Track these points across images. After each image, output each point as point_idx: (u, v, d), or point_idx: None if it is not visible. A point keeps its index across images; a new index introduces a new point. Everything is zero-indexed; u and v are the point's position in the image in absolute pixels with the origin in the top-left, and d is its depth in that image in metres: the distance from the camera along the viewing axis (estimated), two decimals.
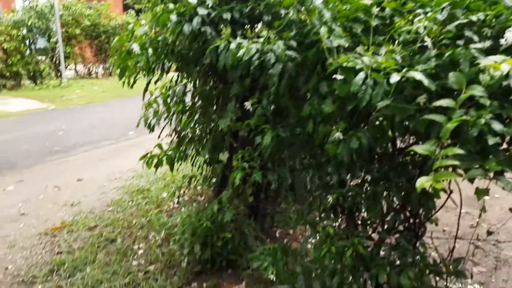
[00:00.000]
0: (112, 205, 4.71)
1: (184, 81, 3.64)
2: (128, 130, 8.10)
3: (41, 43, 14.97)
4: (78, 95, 12.70)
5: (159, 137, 3.78)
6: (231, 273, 3.41)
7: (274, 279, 2.61)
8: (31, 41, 14.58)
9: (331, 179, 2.54)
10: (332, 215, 2.63)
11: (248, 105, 2.61)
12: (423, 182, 1.46)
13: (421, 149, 1.56)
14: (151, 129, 3.77)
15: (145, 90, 3.56)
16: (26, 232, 4.17)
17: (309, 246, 3.03)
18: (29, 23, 14.05)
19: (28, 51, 14.25)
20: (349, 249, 2.35)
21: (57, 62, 14.97)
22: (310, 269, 2.59)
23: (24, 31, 14.08)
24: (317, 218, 2.71)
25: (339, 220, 2.71)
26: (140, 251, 3.75)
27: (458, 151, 1.45)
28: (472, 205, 4.05)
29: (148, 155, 3.59)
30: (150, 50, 3.13)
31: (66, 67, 15.26)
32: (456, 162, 1.46)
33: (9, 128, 8.60)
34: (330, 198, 2.53)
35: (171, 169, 3.65)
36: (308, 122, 2.33)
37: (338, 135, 2.13)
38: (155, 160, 3.62)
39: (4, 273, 3.49)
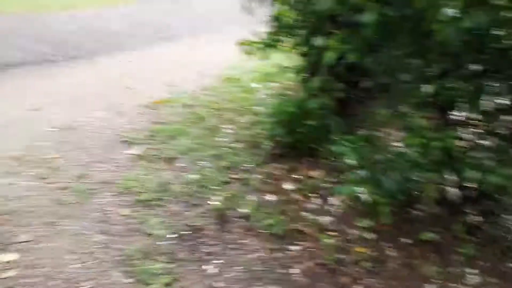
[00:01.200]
0: (207, 89, 4.93)
1: None
2: (227, 23, 8.11)
3: None
4: None
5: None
6: (311, 160, 3.47)
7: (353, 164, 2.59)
8: None
9: (432, 68, 2.34)
10: (424, 109, 2.46)
11: None
12: None
13: None
14: (250, 12, 3.72)
15: None
16: (131, 103, 4.60)
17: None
18: None
19: None
20: (438, 142, 2.21)
21: None
22: (391, 159, 2.51)
23: None
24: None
25: (431, 115, 2.53)
26: (228, 131, 3.96)
27: None
28: None
29: (246, 42, 3.60)
30: None
31: None
32: None
33: (119, 14, 9.15)
34: (426, 89, 2.35)
35: (265, 55, 3.64)
36: None
37: (450, 11, 1.89)
38: (250, 47, 3.64)
39: (110, 134, 3.94)
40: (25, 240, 2.61)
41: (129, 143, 3.76)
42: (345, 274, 2.41)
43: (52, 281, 2.28)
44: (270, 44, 3.64)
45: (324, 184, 3.22)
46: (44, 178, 3.22)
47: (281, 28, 3.73)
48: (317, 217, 2.87)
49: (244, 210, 2.89)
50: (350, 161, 2.59)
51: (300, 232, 2.76)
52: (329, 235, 2.72)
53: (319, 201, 3.05)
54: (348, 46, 2.52)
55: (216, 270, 2.46)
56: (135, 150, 3.63)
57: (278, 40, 3.67)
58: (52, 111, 4.31)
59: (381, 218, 2.46)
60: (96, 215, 2.87)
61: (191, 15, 9.18)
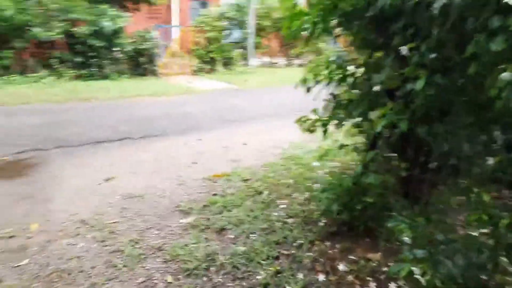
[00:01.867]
0: (267, 166, 4.99)
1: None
2: (295, 110, 8.38)
3: (236, 33, 16.76)
4: (258, 80, 13.80)
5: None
6: (368, 241, 3.23)
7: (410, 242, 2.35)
8: (228, 32, 16.46)
9: (494, 140, 2.17)
10: (489, 183, 2.23)
11: (404, 50, 2.41)
12: None
13: None
14: (308, 90, 3.82)
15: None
16: (194, 176, 4.77)
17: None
18: (228, 16, 15.89)
19: (224, 41, 16.14)
20: (506, 220, 1.96)
21: (247, 51, 16.54)
22: (453, 240, 2.25)
23: (224, 23, 15.98)
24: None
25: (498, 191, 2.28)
26: (282, 206, 3.88)
27: None
28: None
29: (303, 119, 3.66)
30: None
31: (253, 56, 16.75)
32: None
33: (199, 100, 9.95)
34: (490, 162, 2.15)
35: (324, 133, 3.64)
36: (471, 64, 2.02)
37: (506, 75, 1.80)
38: (309, 123, 3.69)
39: (170, 203, 4.07)
40: None
41: (185, 212, 3.82)
42: None
43: None
44: (327, 121, 3.65)
45: (382, 268, 2.93)
46: (102, 241, 3.34)
47: (339, 106, 3.77)
48: None
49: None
50: (407, 238, 2.37)
51: None
52: None
53: (375, 285, 2.77)
54: (401, 116, 2.44)
55: None
56: (188, 220, 3.67)
57: (336, 118, 3.68)
58: (122, 181, 4.60)
59: None
60: (142, 280, 2.87)
61: (262, 103, 9.71)
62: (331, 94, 3.90)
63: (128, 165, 5.16)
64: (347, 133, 3.75)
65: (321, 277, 2.85)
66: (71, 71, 11.65)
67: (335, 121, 3.66)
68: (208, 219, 3.66)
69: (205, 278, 2.85)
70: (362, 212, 3.24)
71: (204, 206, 3.93)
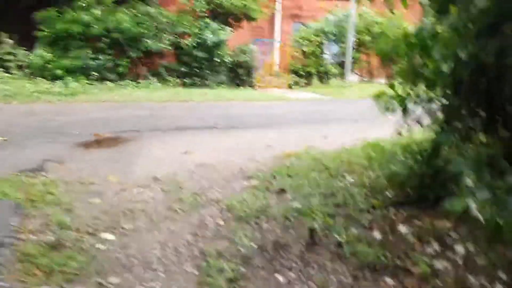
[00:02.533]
0: (342, 151, 4.80)
1: None
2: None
3: (334, 48, 16.72)
4: (354, 92, 13.49)
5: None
6: (437, 212, 2.89)
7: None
8: (326, 46, 16.51)
9: None
10: None
11: None
12: None
13: None
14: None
15: None
16: (266, 155, 4.80)
17: None
18: (326, 30, 15.98)
19: (322, 55, 16.21)
20: None
21: (344, 66, 16.36)
22: None
23: (322, 38, 16.10)
24: None
25: None
26: (349, 179, 3.69)
27: None
28: None
29: (379, 93, 3.49)
30: None
31: (351, 72, 16.49)
32: None
33: (288, 106, 10.11)
34: None
35: (403, 112, 3.41)
36: None
37: None
38: (385, 99, 3.50)
39: (238, 171, 4.14)
40: (127, 228, 2.84)
41: (250, 178, 3.86)
42: None
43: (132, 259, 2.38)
44: (406, 97, 3.41)
45: (449, 233, 2.60)
46: (167, 192, 3.53)
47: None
48: (432, 260, 2.30)
49: (341, 238, 2.53)
50: (469, 181, 2.08)
51: (404, 269, 2.23)
52: (444, 280, 2.12)
53: (439, 246, 2.46)
54: None
55: (286, 280, 2.16)
56: (251, 183, 3.69)
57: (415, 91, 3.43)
58: (199, 155, 4.82)
59: None
60: (195, 220, 2.95)
61: (351, 109, 9.52)
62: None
63: (207, 145, 5.41)
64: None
65: (377, 235, 2.62)
66: (177, 80, 12.70)
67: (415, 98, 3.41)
68: (271, 183, 3.64)
69: (254, 224, 2.83)
70: (433, 179, 2.94)
71: (270, 174, 3.92)
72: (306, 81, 15.81)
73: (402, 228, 2.70)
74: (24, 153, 4.73)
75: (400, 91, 3.33)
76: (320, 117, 8.29)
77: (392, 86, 3.53)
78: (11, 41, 10.73)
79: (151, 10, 12.55)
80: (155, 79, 12.39)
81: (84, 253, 2.45)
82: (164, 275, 2.28)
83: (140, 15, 12.23)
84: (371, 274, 2.20)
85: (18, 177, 3.74)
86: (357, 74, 17.49)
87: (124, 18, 11.75)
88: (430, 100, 3.31)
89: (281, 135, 6.23)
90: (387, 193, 3.23)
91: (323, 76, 16.12)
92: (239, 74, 14.33)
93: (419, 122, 3.42)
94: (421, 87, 3.50)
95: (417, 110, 3.37)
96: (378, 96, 3.54)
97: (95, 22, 11.53)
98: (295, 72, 15.77)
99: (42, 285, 2.11)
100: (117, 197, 3.42)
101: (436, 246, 2.46)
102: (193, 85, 12.83)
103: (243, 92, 12.32)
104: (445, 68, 2.67)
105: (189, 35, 12.79)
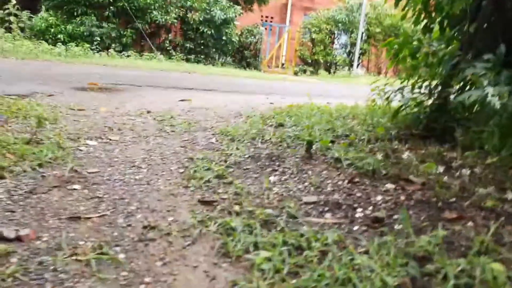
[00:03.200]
0: (347, 106, 4.61)
1: None
2: None
3: (343, 38, 16.53)
4: (360, 81, 13.30)
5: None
6: (446, 146, 2.71)
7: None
8: (335, 36, 16.32)
9: None
10: None
11: None
12: None
13: None
14: None
15: None
16: (266, 106, 4.61)
17: None
18: (337, 19, 15.77)
19: (331, 44, 16.02)
20: None
21: (352, 57, 16.17)
22: None
23: (332, 27, 15.90)
24: None
25: None
26: (353, 121, 3.50)
27: None
28: None
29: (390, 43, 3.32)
30: None
31: (358, 64, 16.29)
32: None
33: (291, 83, 9.89)
34: None
35: (413, 59, 3.22)
36: None
37: None
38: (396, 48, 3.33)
39: (235, 113, 3.96)
40: (113, 138, 2.67)
41: (248, 117, 3.67)
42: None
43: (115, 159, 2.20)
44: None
45: (457, 160, 2.41)
46: (161, 121, 3.34)
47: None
48: (435, 172, 2.12)
49: (338, 153, 2.34)
50: (486, 82, 1.89)
51: (406, 179, 2.04)
52: (448, 188, 1.93)
53: (444, 169, 2.27)
54: None
55: (276, 178, 1.98)
56: (249, 119, 3.50)
57: None
58: (196, 102, 4.64)
59: None
60: (186, 138, 2.78)
61: (353, 90, 9.35)
62: None
63: (205, 98, 5.22)
64: None
65: (378, 156, 2.43)
66: (181, 55, 12.52)
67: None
68: (269, 119, 3.46)
69: (248, 144, 2.64)
70: (441, 110, 2.76)
71: (269, 115, 3.73)
72: (312, 69, 15.63)
73: (405, 154, 2.52)
74: (13, 87, 4.55)
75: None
76: (324, 93, 8.10)
77: (405, 33, 3.37)
78: (14, 1, 10.54)
79: None
80: (159, 53, 12.21)
81: (62, 150, 2.27)
82: (147, 171, 2.11)
83: None
84: (369, 180, 2.01)
85: (2, 98, 3.56)
86: (364, 67, 17.28)
87: None
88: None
89: (284, 99, 6.03)
90: (390, 130, 3.05)
91: (331, 66, 15.92)
92: (246, 56, 14.17)
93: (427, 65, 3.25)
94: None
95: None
96: (388, 44, 3.37)
97: None
98: (303, 60, 15.60)
99: (12, 166, 1.94)
100: (105, 119, 3.24)
101: (440, 168, 2.28)
102: (198, 62, 12.66)
103: (248, 72, 12.15)
104: None
105: (197, 10, 12.60)
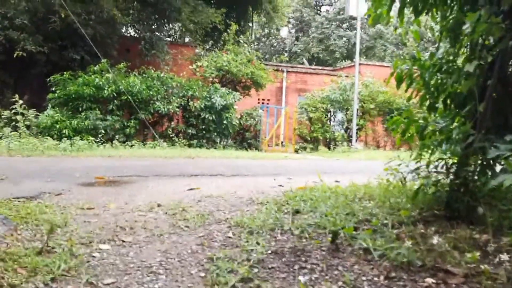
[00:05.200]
0: (358, 185, 4.54)
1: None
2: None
3: (339, 115, 16.98)
4: (361, 156, 13.39)
5: None
6: (471, 223, 2.59)
7: None
8: (331, 114, 16.78)
9: None
10: None
11: None
12: None
13: None
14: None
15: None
16: (276, 191, 4.55)
17: None
18: (332, 98, 16.34)
19: (328, 122, 16.41)
20: None
21: (350, 133, 16.48)
22: None
23: (328, 105, 16.41)
24: None
25: None
26: (369, 204, 3.41)
27: None
28: None
29: (396, 121, 3.39)
30: None
31: (357, 139, 16.56)
32: None
33: (294, 162, 9.95)
34: None
35: (420, 137, 3.27)
36: None
37: None
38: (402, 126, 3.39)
39: (246, 199, 3.87)
40: (126, 240, 2.56)
41: (261, 204, 3.58)
42: None
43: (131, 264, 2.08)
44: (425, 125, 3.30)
45: (490, 243, 2.29)
46: (172, 215, 3.24)
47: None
48: (475, 264, 1.98)
49: (367, 244, 2.22)
50: None
51: (445, 270, 1.91)
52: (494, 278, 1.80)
53: (480, 255, 2.14)
54: None
55: (306, 278, 1.84)
56: (263, 207, 3.41)
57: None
58: (205, 190, 4.57)
59: None
60: (201, 233, 2.66)
61: (357, 166, 9.37)
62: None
63: (214, 185, 5.16)
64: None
65: (407, 244, 2.31)
66: (184, 141, 12.71)
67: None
68: (284, 206, 3.36)
69: (268, 236, 2.52)
70: (462, 190, 2.68)
71: (283, 200, 3.64)
72: (312, 147, 15.82)
73: (435, 239, 2.40)
74: (20, 187, 4.51)
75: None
76: (329, 169, 8.08)
77: (409, 111, 3.44)
78: (21, 102, 10.94)
79: (162, 75, 12.99)
80: (162, 140, 12.42)
81: (75, 258, 2.15)
82: (166, 277, 1.97)
83: (151, 79, 12.62)
84: (406, 274, 1.88)
85: (10, 202, 3.50)
86: (362, 141, 17.53)
87: (135, 81, 12.10)
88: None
89: (290, 180, 5.98)
90: (412, 212, 2.94)
91: (330, 142, 16.16)
92: (246, 138, 14.42)
93: (438, 144, 3.24)
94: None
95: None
96: (394, 123, 3.42)
97: (107, 84, 11.85)
98: (302, 138, 15.86)
99: (24, 282, 1.80)
100: (116, 218, 3.14)
101: (476, 254, 2.15)
102: (200, 147, 12.83)
103: (250, 153, 12.26)
104: (469, 67, 2.54)
105: (198, 99, 13.05)
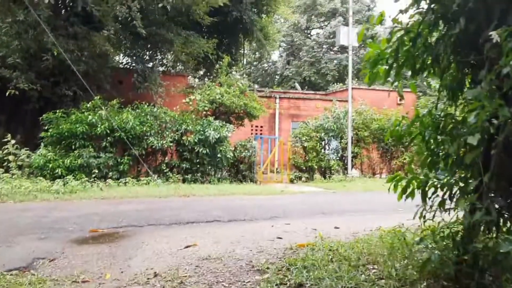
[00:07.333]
0: (359, 240, 4.45)
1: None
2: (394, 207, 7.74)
3: (334, 144, 16.97)
4: (357, 185, 13.32)
5: None
6: None
7: None
8: (325, 142, 16.77)
9: None
10: None
11: (495, 36, 2.11)
12: None
13: None
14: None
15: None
16: (275, 246, 4.44)
17: None
18: (326, 127, 16.36)
19: (322, 150, 16.37)
20: None
21: (345, 161, 16.45)
22: None
23: (322, 134, 16.40)
24: None
25: None
26: (373, 270, 3.31)
27: None
28: None
29: (396, 178, 3.33)
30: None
31: (352, 166, 16.52)
32: None
33: (291, 198, 9.83)
34: None
35: (423, 196, 3.20)
36: None
37: None
38: (403, 183, 3.33)
39: (246, 264, 3.76)
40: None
41: (261, 271, 3.47)
42: None
43: None
44: (425, 179, 3.24)
45: None
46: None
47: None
48: None
49: None
50: None
51: None
52: None
53: None
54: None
55: None
56: (263, 277, 3.29)
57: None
58: (202, 248, 4.45)
59: None
60: None
61: (357, 201, 9.27)
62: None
63: (210, 238, 5.03)
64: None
65: None
66: (178, 176, 12.57)
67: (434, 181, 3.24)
68: (286, 276, 3.25)
69: None
70: (471, 264, 2.60)
71: (283, 267, 3.53)
72: (307, 176, 15.72)
73: None
74: (13, 250, 4.36)
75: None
76: (326, 208, 7.99)
77: (410, 169, 3.40)
78: (13, 141, 10.80)
79: (155, 110, 12.95)
80: (155, 176, 12.27)
81: None
82: None
83: (144, 114, 12.57)
84: None
85: (3, 277, 3.36)
86: (358, 169, 17.49)
87: (129, 117, 12.03)
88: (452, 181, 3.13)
89: (288, 227, 5.87)
90: (418, 285, 2.85)
91: (325, 171, 16.08)
92: (241, 170, 14.31)
93: (441, 205, 3.17)
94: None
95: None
96: (394, 180, 3.37)
97: (100, 121, 11.76)
98: (297, 167, 15.77)
99: None
100: None
101: None
102: (195, 181, 12.69)
103: (245, 187, 12.13)
104: (472, 140, 2.50)
105: (192, 132, 12.98)
